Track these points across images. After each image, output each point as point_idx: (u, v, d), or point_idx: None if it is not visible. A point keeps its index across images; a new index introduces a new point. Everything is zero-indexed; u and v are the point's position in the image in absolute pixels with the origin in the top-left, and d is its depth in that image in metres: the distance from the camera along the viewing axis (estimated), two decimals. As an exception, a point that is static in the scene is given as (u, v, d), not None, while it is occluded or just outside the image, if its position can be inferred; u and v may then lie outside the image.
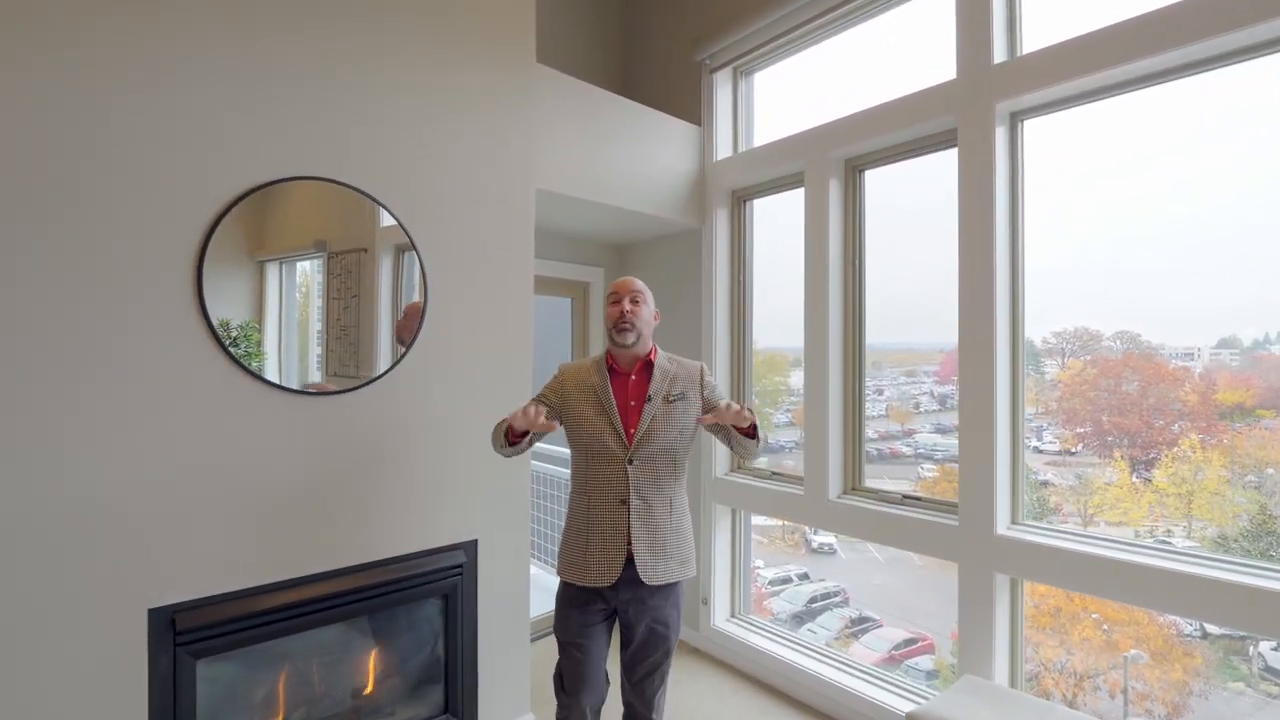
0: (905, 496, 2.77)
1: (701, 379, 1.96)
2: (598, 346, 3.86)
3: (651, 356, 1.94)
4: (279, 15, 1.97)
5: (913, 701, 2.62)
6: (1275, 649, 2.12)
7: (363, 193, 2.12)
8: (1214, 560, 2.02)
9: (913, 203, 2.84)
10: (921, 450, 2.95)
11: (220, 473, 1.85)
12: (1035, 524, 2.40)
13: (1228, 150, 2.08)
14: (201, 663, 1.82)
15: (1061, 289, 2.42)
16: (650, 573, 1.81)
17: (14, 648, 1.57)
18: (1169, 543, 2.18)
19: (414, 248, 2.24)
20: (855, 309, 2.96)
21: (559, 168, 2.81)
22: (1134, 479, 2.32)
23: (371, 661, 2.22)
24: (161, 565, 1.76)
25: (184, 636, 1.77)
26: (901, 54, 2.86)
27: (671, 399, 1.88)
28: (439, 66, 2.31)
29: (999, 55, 2.41)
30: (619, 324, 1.88)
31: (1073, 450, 2.47)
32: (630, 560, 1.81)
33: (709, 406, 1.92)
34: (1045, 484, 2.51)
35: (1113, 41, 2.11)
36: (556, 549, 2.02)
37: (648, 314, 1.93)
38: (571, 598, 1.89)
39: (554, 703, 1.96)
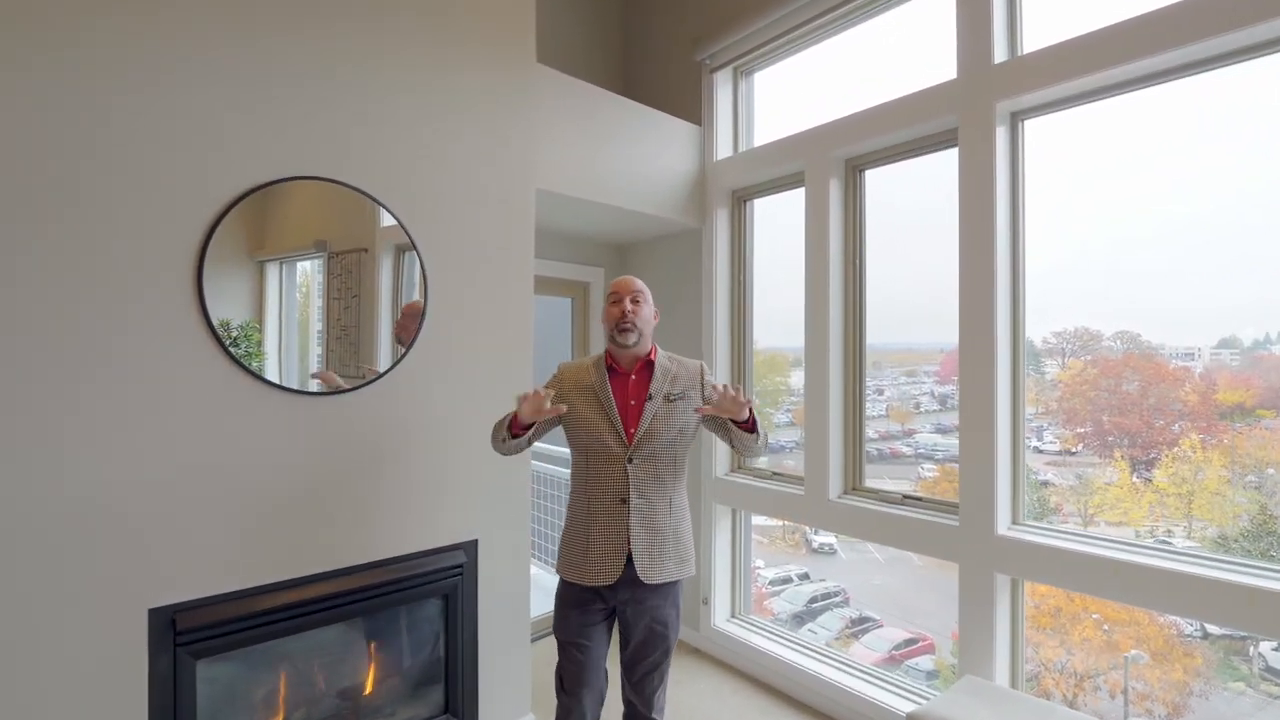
0: (906, 496, 2.77)
1: (702, 378, 1.96)
2: (598, 346, 3.85)
3: (652, 356, 1.94)
4: (279, 15, 1.97)
5: (913, 702, 2.62)
6: (1276, 649, 2.12)
7: (363, 193, 2.12)
8: (1214, 560, 2.02)
9: (913, 203, 2.84)
10: (922, 450, 2.95)
11: (220, 473, 1.85)
12: (1036, 524, 2.40)
13: (1228, 150, 2.08)
14: (201, 663, 1.82)
15: (1062, 289, 2.42)
16: (648, 572, 1.81)
17: (14, 648, 1.57)
18: (1169, 543, 2.18)
19: (414, 248, 2.24)
20: (855, 309, 2.96)
21: (559, 168, 2.81)
22: (1134, 479, 2.32)
23: (372, 662, 2.22)
24: (162, 565, 1.76)
25: (184, 637, 1.77)
26: (902, 54, 2.86)
27: (672, 398, 1.89)
28: (439, 66, 2.31)
29: (999, 55, 2.41)
30: (620, 324, 1.88)
31: (1073, 450, 2.47)
32: (630, 560, 1.82)
33: (708, 400, 1.92)
34: (1045, 484, 2.51)
35: (1113, 41, 2.11)
36: (556, 549, 2.02)
37: (648, 313, 1.93)
38: (571, 597, 1.89)
39: (554, 703, 1.96)
